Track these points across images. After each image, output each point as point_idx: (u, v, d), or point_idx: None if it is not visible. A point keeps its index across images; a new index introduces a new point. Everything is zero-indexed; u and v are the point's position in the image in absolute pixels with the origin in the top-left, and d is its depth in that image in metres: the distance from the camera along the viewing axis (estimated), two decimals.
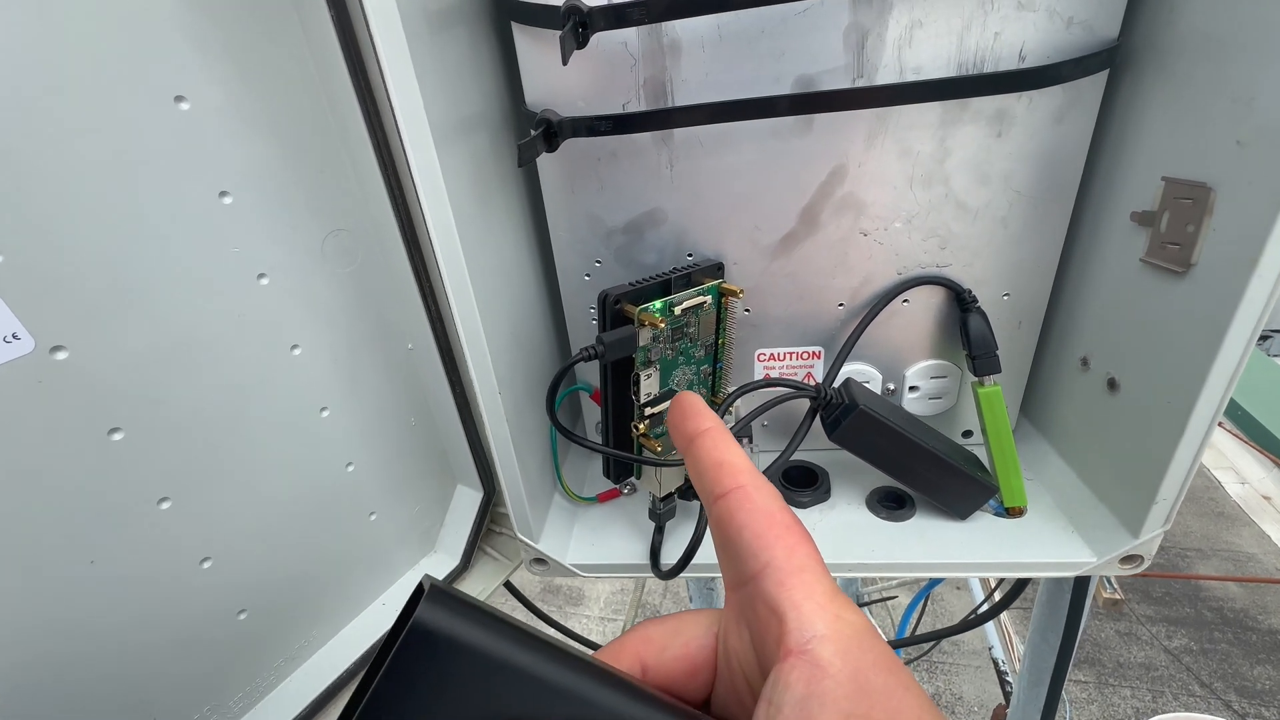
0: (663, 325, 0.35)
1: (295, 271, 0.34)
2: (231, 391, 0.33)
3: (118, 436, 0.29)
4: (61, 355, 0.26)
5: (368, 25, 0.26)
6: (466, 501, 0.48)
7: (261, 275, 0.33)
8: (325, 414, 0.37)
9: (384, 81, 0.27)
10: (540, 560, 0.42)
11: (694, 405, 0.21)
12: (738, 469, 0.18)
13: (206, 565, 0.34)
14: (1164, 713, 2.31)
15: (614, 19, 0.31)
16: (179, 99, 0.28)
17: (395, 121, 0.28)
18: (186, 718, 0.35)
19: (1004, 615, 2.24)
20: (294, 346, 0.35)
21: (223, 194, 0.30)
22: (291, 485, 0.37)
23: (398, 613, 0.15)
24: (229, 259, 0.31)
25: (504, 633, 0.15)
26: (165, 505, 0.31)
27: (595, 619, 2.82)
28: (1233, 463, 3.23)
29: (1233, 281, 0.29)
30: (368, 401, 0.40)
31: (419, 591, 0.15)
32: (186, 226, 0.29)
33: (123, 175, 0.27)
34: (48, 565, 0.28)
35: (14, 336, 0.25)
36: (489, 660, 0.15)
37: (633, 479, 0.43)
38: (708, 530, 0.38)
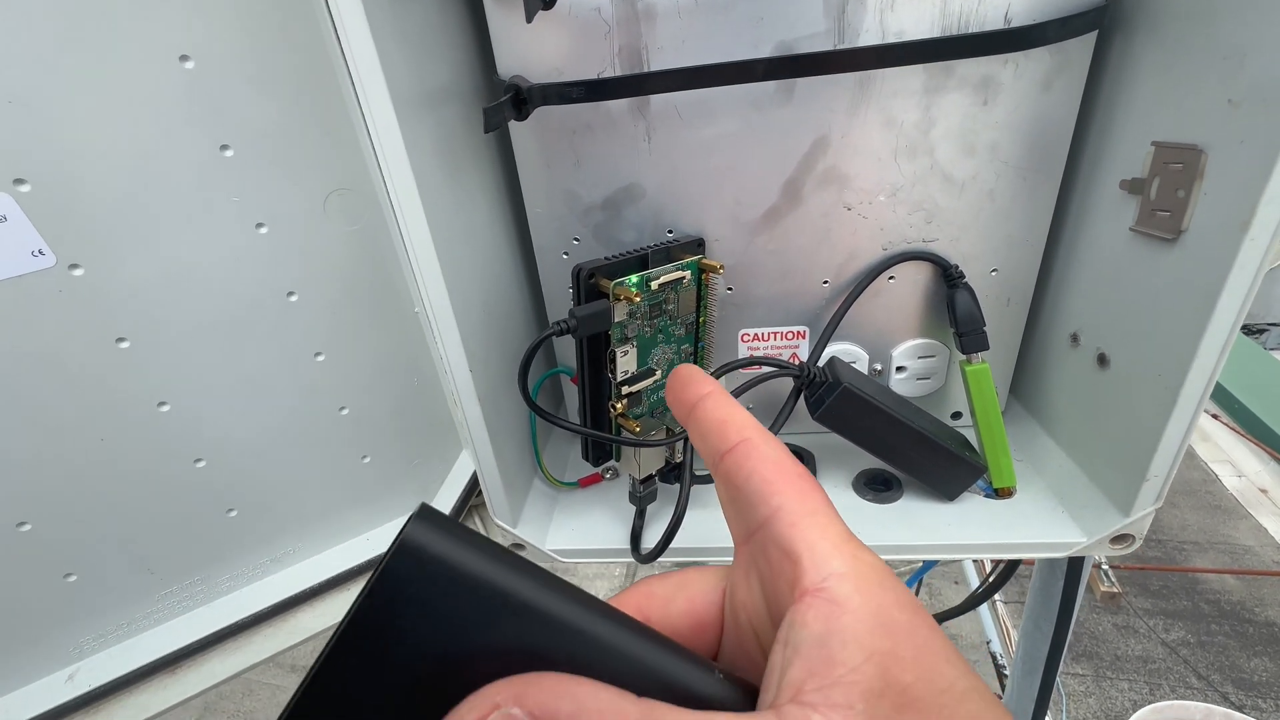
0: (638, 299, 0.34)
1: (295, 224, 0.36)
2: (227, 323, 0.36)
3: (124, 345, 0.34)
4: (78, 272, 0.32)
5: None
6: (467, 467, 0.49)
7: (260, 225, 0.35)
8: (320, 359, 0.40)
9: (343, 50, 0.27)
10: (518, 545, 0.41)
11: (692, 374, 0.20)
12: (742, 424, 0.18)
13: (200, 465, 0.39)
14: None
15: None
16: (184, 58, 0.31)
17: (356, 90, 0.27)
18: (180, 579, 0.42)
19: (1001, 608, 2.23)
20: (290, 293, 0.37)
21: (224, 147, 0.33)
22: (282, 414, 0.40)
23: (385, 551, 0.14)
24: (228, 206, 0.34)
25: (499, 558, 0.14)
26: (164, 408, 0.36)
27: None
28: (1229, 456, 3.23)
29: (1224, 246, 0.28)
30: (367, 355, 0.42)
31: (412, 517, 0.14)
32: (188, 174, 0.32)
33: (130, 124, 0.30)
34: (65, 433, 0.34)
35: (40, 252, 0.30)
36: (481, 585, 0.13)
37: (613, 462, 0.42)
38: (687, 512, 0.37)
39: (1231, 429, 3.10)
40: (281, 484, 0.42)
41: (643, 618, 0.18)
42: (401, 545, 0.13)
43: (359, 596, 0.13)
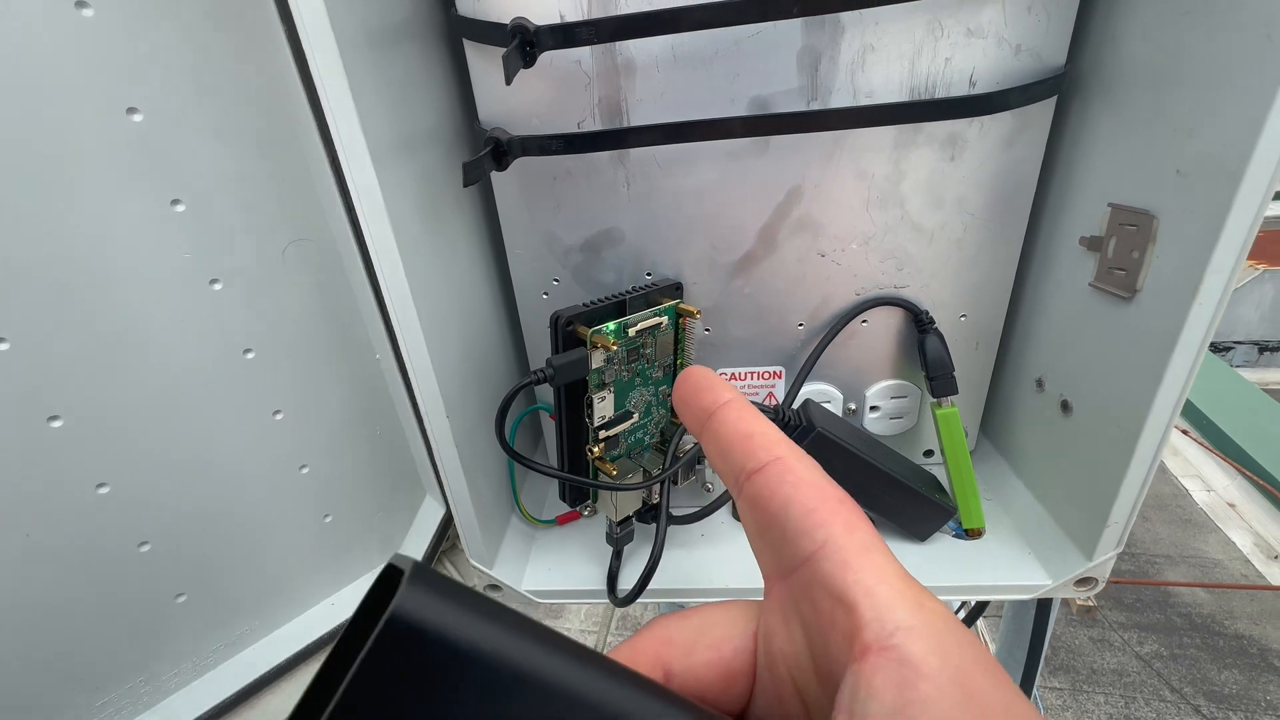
0: (615, 347, 0.34)
1: (252, 279, 0.35)
2: (177, 389, 0.34)
3: (57, 424, 0.30)
4: (3, 347, 0.28)
5: (302, 43, 0.26)
6: (432, 514, 0.48)
7: (214, 280, 0.33)
8: (279, 417, 0.38)
9: (321, 98, 0.27)
10: (494, 586, 0.41)
11: (707, 378, 0.17)
12: (771, 440, 0.15)
13: (144, 549, 0.35)
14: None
15: (562, 38, 0.30)
16: (131, 110, 0.29)
17: (333, 137, 0.27)
18: (119, 685, 0.36)
19: (981, 623, 2.26)
20: (247, 350, 0.36)
21: (175, 202, 0.31)
22: (238, 481, 0.37)
23: (357, 609, 0.11)
24: (179, 263, 0.32)
25: (506, 625, 0.12)
26: (103, 490, 0.33)
27: (575, 632, 2.79)
28: (1199, 471, 3.32)
29: (1175, 309, 0.29)
30: (327, 408, 0.40)
31: (391, 573, 0.11)
32: (135, 231, 0.30)
33: (70, 179, 0.28)
34: None
35: None
36: (489, 663, 0.11)
37: (591, 502, 0.42)
38: (663, 554, 0.37)
39: (1200, 444, 3.18)
40: (237, 558, 0.39)
41: (663, 669, 0.15)
42: (391, 621, 0.11)
43: (332, 675, 0.11)
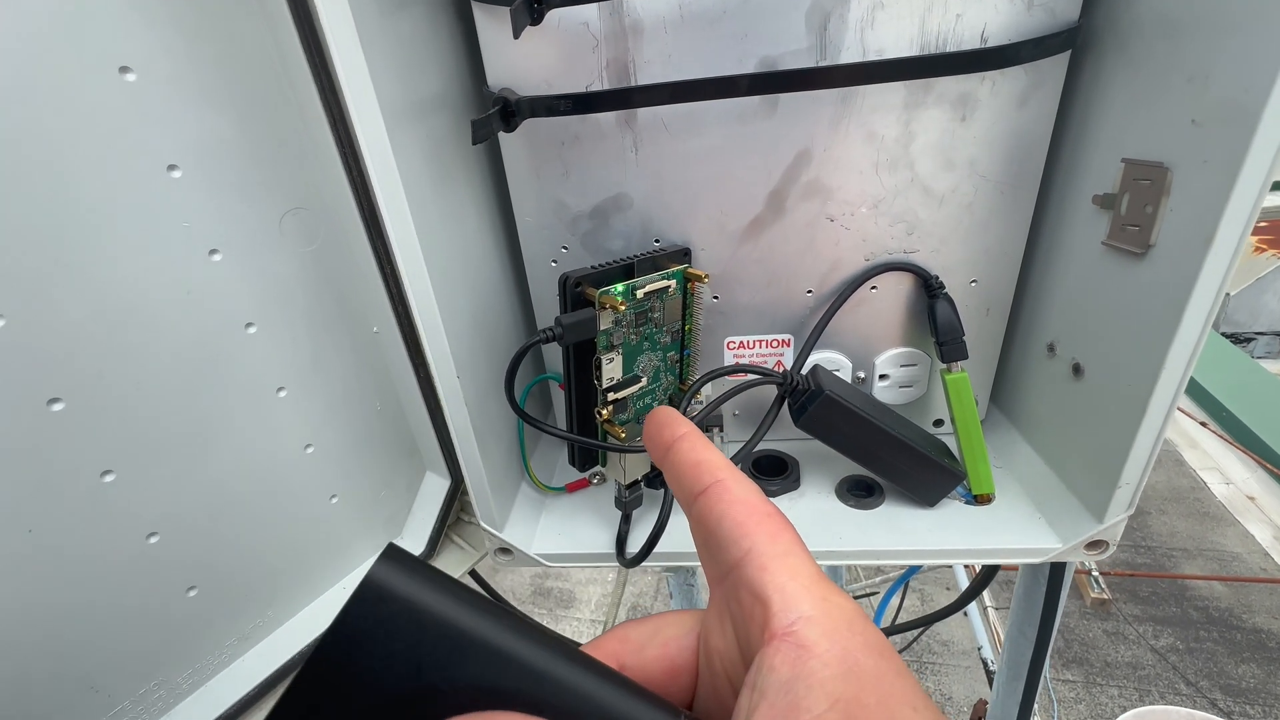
0: (623, 308, 0.34)
1: (250, 248, 0.34)
2: (180, 366, 0.32)
3: (58, 407, 0.29)
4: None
5: (313, 4, 0.26)
6: (435, 488, 0.48)
7: (214, 251, 0.33)
8: (283, 394, 0.37)
9: (331, 61, 0.27)
10: (505, 550, 0.41)
11: (668, 415, 0.21)
12: (714, 465, 0.18)
13: (153, 540, 0.33)
14: None
15: None
16: (124, 69, 0.28)
17: (344, 101, 0.28)
18: (131, 691, 0.34)
19: (993, 615, 2.24)
20: (249, 324, 0.35)
21: (171, 167, 0.30)
22: (246, 463, 0.36)
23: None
24: (178, 233, 0.31)
25: (460, 598, 0.14)
26: (109, 478, 0.31)
27: (586, 621, 2.81)
28: (1218, 463, 3.26)
29: (1189, 261, 0.29)
30: (329, 384, 0.39)
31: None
32: (131, 199, 0.29)
33: (61, 145, 0.26)
34: None
35: None
36: (441, 624, 0.14)
37: (600, 468, 0.42)
38: (671, 517, 0.37)
39: (1220, 437, 3.13)
40: (247, 544, 0.37)
41: (617, 663, 0.17)
42: (364, 585, 0.14)
43: (321, 635, 0.14)
